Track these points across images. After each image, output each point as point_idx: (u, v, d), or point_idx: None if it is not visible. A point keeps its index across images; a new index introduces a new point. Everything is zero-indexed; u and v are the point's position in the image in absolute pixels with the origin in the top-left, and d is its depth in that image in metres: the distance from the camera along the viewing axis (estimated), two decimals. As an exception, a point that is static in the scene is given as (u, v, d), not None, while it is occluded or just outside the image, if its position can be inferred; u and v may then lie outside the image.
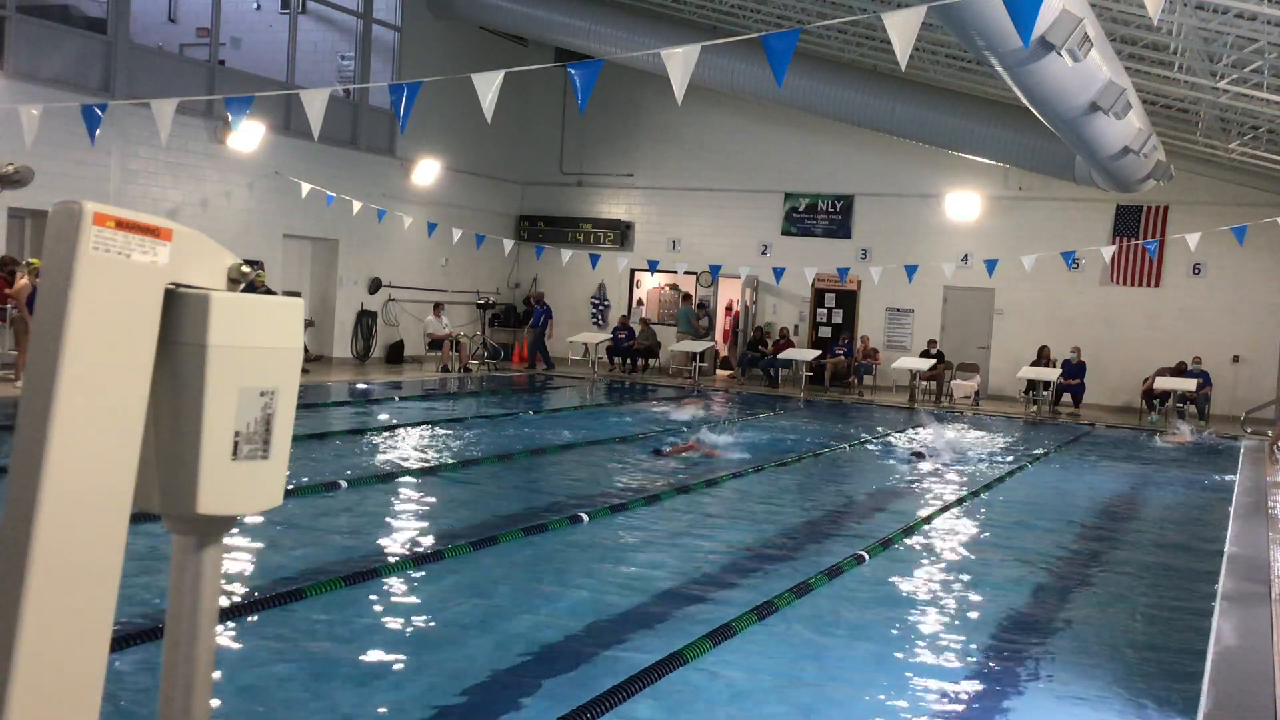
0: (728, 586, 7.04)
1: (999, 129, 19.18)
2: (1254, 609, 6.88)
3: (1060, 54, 10.63)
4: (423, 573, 6.94)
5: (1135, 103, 13.76)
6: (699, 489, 10.40)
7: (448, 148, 23.50)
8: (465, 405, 17.23)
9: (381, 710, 4.77)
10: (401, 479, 10.03)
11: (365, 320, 22.35)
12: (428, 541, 7.77)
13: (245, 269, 1.90)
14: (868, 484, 11.88)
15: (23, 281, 14.04)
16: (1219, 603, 7.00)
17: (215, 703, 2.90)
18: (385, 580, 6.67)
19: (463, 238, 21.11)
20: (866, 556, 7.89)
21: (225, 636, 5.38)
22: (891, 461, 13.26)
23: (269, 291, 14.82)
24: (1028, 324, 22.76)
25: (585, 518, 8.63)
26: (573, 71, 9.06)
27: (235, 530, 1.92)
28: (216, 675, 2.04)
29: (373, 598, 6.37)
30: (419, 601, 6.51)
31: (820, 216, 24.66)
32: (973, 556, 8.51)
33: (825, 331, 24.39)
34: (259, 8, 22.67)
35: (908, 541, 8.66)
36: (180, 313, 1.77)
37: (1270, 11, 10.60)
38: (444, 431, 13.67)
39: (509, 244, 23.21)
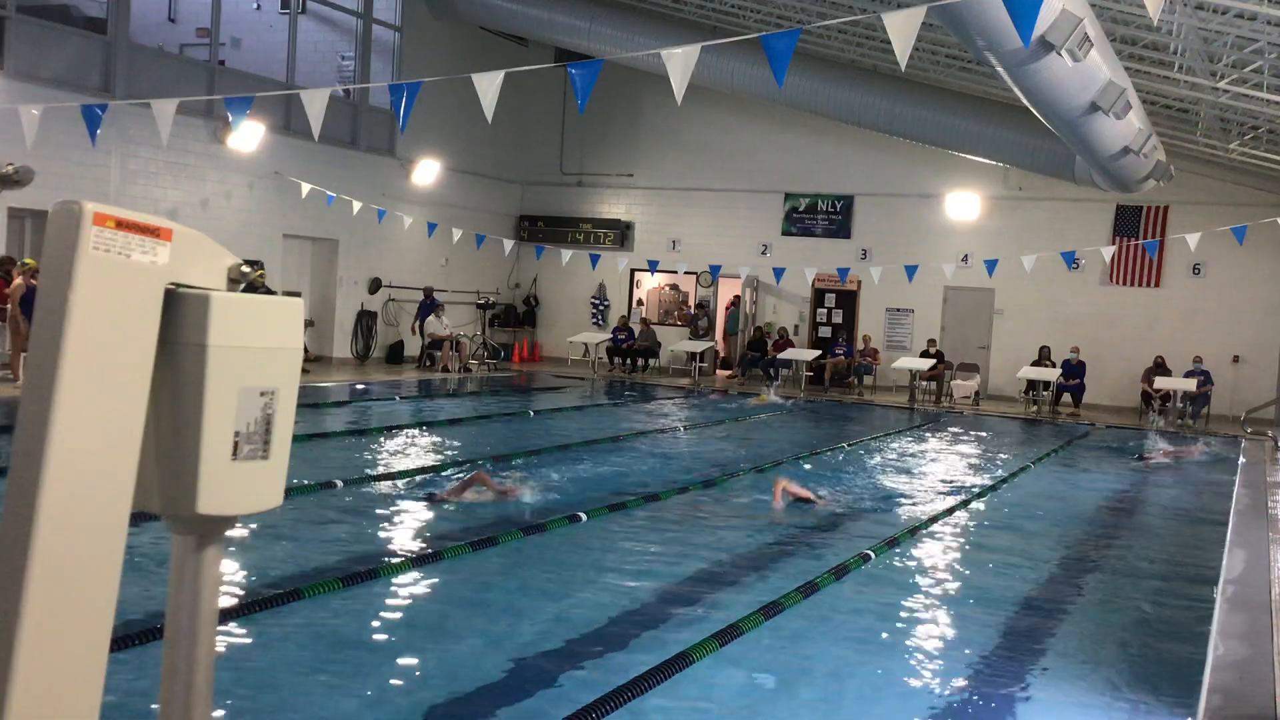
0: (728, 589, 7.05)
1: (999, 129, 19.17)
2: (1254, 610, 6.88)
3: (1060, 54, 10.63)
4: (422, 573, 6.94)
5: (1135, 103, 13.75)
6: (696, 488, 10.40)
7: (448, 148, 23.49)
8: (465, 405, 17.23)
9: (381, 710, 4.76)
10: (400, 479, 10.02)
11: (365, 320, 22.35)
12: (427, 542, 7.76)
13: (245, 269, 1.90)
14: (873, 480, 11.87)
15: (17, 282, 14.04)
16: (1219, 603, 7.00)
17: (216, 710, 2.90)
18: (384, 581, 6.67)
19: (463, 238, 21.11)
20: (872, 555, 7.90)
21: (225, 636, 5.38)
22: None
23: (269, 291, 14.82)
24: (1028, 324, 22.75)
25: (584, 516, 8.64)
26: (573, 71, 9.06)
27: (235, 530, 1.92)
28: (216, 675, 2.04)
29: (372, 598, 6.37)
30: (419, 602, 6.52)
31: (820, 216, 24.66)
32: (972, 556, 8.50)
33: (825, 331, 24.39)
34: (259, 8, 22.65)
35: (909, 543, 8.66)
36: (180, 313, 1.77)
37: (1270, 11, 10.59)
38: (444, 431, 13.67)
39: (509, 244, 23.20)
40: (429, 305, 22.37)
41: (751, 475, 11.34)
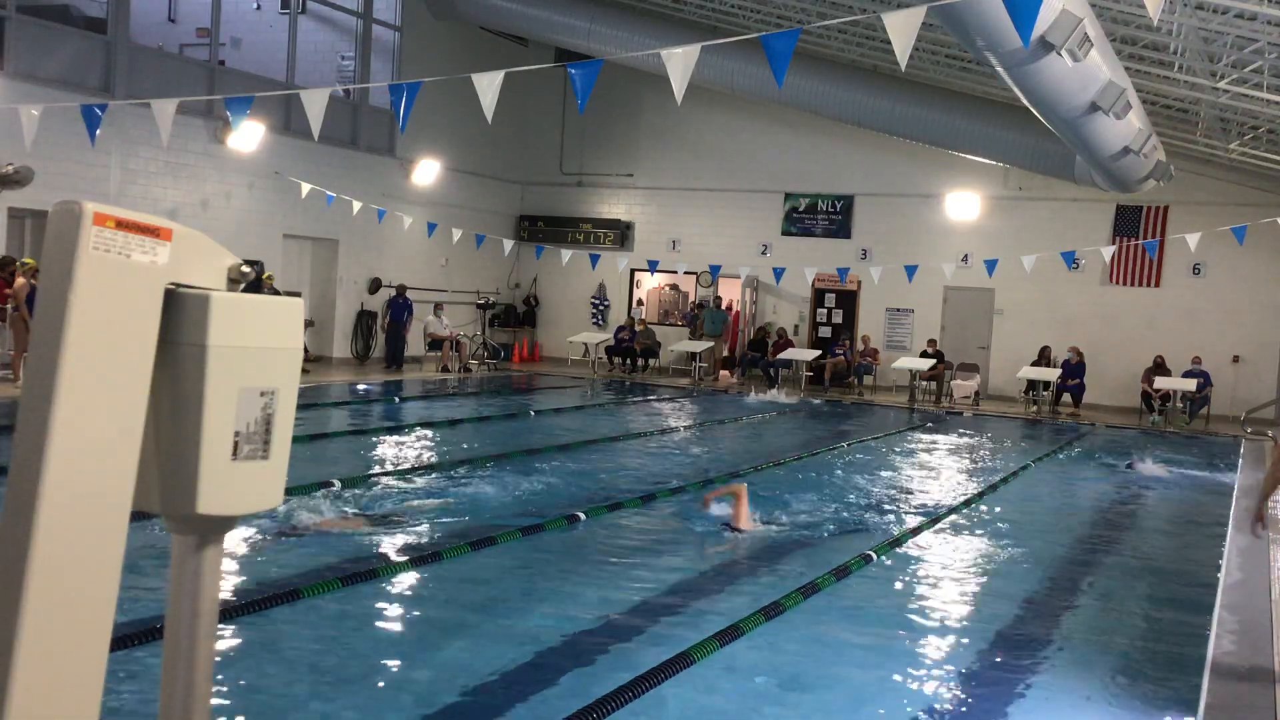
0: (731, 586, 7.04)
1: (999, 129, 19.17)
2: (1253, 609, 6.88)
3: (1060, 54, 10.62)
4: (421, 573, 6.93)
5: (1135, 103, 13.75)
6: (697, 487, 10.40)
7: (448, 148, 23.50)
8: (465, 405, 17.23)
9: (380, 710, 4.76)
10: (399, 479, 10.02)
11: (365, 320, 22.35)
12: (426, 542, 7.75)
13: (245, 269, 1.90)
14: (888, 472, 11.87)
15: (20, 281, 14.05)
16: (1219, 603, 7.00)
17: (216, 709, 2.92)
18: (383, 580, 6.67)
19: (463, 238, 21.10)
20: (875, 556, 7.90)
21: (225, 636, 5.38)
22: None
23: (275, 292, 14.83)
24: (1028, 324, 22.75)
25: (582, 517, 8.65)
26: (573, 71, 9.06)
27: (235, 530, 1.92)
28: (216, 675, 2.04)
29: (371, 598, 6.37)
30: (417, 602, 6.51)
31: (820, 216, 24.65)
32: (971, 556, 8.50)
33: (825, 331, 24.39)
34: (259, 8, 22.66)
35: (909, 545, 8.66)
36: (180, 313, 1.77)
37: (1270, 11, 10.60)
38: (443, 431, 13.67)
39: (509, 244, 23.20)
40: (401, 304, 21.91)
41: (751, 475, 11.33)
